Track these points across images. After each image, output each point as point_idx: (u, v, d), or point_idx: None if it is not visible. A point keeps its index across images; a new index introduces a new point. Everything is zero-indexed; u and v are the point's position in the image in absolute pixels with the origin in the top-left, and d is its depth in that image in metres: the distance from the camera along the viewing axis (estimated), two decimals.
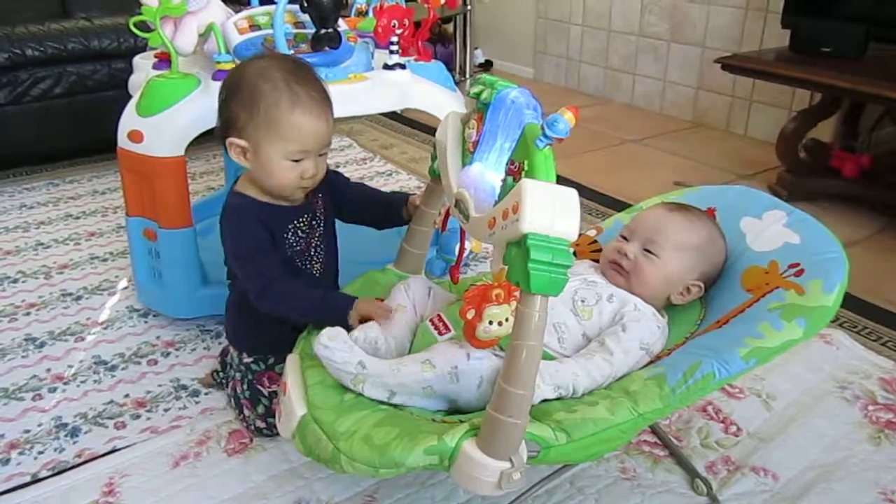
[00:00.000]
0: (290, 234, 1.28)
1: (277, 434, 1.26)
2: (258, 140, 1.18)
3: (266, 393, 1.34)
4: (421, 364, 1.04)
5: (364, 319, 1.18)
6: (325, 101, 1.20)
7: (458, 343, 1.08)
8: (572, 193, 0.87)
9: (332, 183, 1.37)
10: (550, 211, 0.84)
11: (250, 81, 1.17)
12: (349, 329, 1.14)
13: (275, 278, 1.21)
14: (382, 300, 1.25)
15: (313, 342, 1.13)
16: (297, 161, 1.19)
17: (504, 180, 0.97)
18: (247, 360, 1.35)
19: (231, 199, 1.27)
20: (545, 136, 0.88)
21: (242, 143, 1.19)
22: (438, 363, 1.04)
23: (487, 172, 0.99)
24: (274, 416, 1.27)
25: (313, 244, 1.34)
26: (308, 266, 1.33)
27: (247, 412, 1.37)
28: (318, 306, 1.22)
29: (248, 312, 1.28)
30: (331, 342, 1.05)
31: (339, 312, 1.19)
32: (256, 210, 1.24)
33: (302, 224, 1.30)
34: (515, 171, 0.93)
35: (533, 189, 0.85)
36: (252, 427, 1.37)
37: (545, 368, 1.05)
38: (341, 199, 1.40)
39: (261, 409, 1.35)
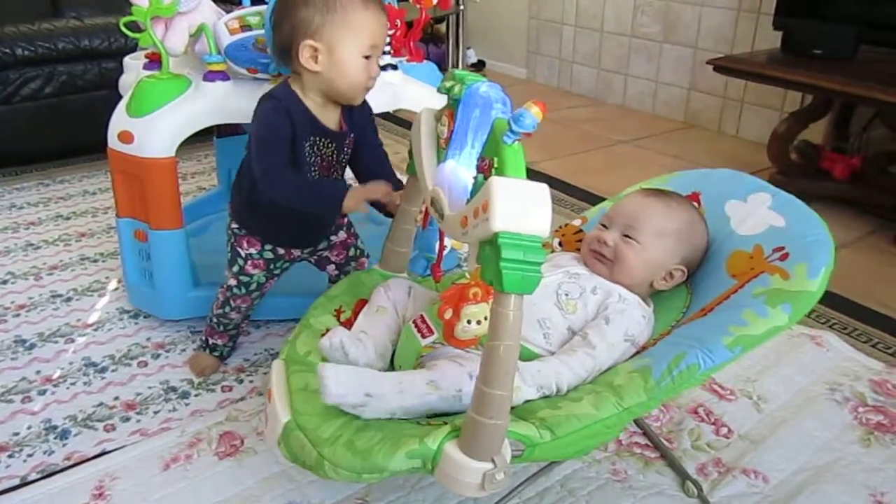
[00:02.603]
0: (309, 146, 1.34)
1: (245, 293, 1.52)
2: (333, 40, 1.25)
3: (242, 255, 1.47)
4: (426, 386, 1.02)
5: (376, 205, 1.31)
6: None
7: (456, 362, 1.06)
8: (543, 188, 0.85)
9: (363, 129, 1.44)
10: (521, 208, 0.83)
11: None
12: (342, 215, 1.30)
13: (280, 165, 1.29)
14: (365, 301, 1.26)
15: (298, 348, 1.12)
16: (367, 58, 1.27)
17: (475, 177, 0.96)
18: (234, 225, 1.48)
19: (278, 87, 1.34)
20: (512, 131, 0.87)
21: (316, 44, 1.25)
22: (444, 385, 1.02)
23: (460, 169, 0.97)
24: (245, 274, 1.49)
25: (332, 173, 1.42)
26: None
27: (225, 271, 1.51)
28: (312, 196, 1.33)
29: (248, 191, 1.41)
30: (341, 388, 0.98)
31: (333, 202, 1.29)
32: (292, 106, 1.30)
33: (322, 144, 1.36)
34: (486, 167, 0.92)
35: (502, 186, 0.83)
36: (224, 285, 1.52)
37: (527, 369, 1.04)
38: (359, 148, 1.45)
39: (235, 269, 1.49)
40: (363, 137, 1.44)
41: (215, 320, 1.56)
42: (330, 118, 1.36)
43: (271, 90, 1.34)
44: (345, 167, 1.45)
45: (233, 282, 1.51)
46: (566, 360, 1.08)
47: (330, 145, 1.38)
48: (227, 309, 1.54)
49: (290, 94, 1.32)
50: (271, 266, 1.50)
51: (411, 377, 1.05)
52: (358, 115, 1.41)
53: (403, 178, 1.34)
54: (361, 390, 1.00)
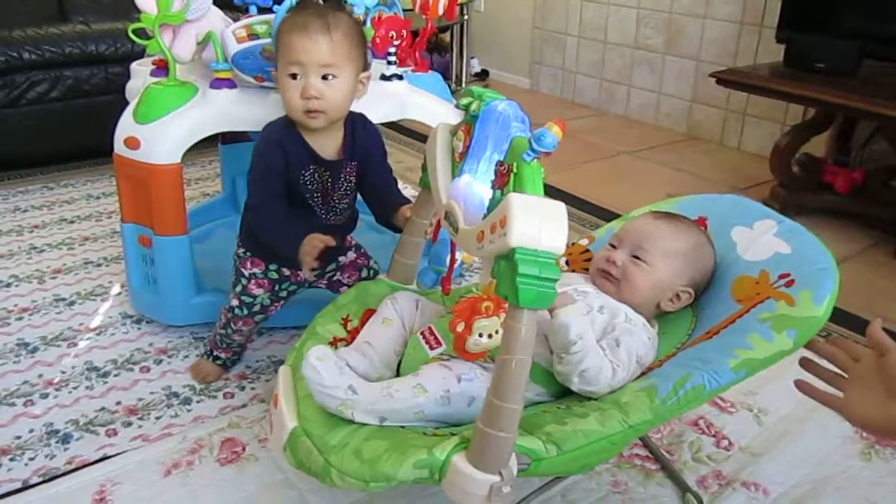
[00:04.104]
0: (309, 175, 1.38)
1: (247, 314, 1.48)
2: (278, 65, 1.32)
3: (246, 274, 1.48)
4: (413, 388, 1.04)
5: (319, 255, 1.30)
6: (325, 24, 1.28)
7: (445, 366, 1.08)
8: (560, 207, 0.87)
9: (368, 156, 1.44)
10: (538, 225, 0.84)
11: (281, 23, 1.33)
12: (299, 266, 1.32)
13: (269, 200, 1.36)
14: (373, 311, 1.27)
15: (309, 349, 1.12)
16: (295, 78, 1.29)
17: (493, 193, 0.97)
18: (239, 251, 1.49)
19: (278, 118, 1.39)
20: (533, 149, 0.88)
21: (274, 72, 1.34)
22: (430, 387, 1.04)
23: (476, 185, 0.98)
24: (249, 294, 1.48)
25: (334, 198, 1.43)
26: (325, 215, 1.44)
27: (230, 294, 1.51)
28: (280, 238, 1.37)
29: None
30: (320, 363, 1.03)
31: (293, 249, 1.31)
32: (285, 137, 1.35)
33: (319, 173, 1.38)
34: (504, 172, 0.93)
35: (520, 203, 0.85)
36: (227, 306, 1.52)
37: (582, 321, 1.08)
38: (364, 174, 1.45)
39: (238, 289, 1.49)
40: (369, 163, 1.44)
41: (218, 338, 1.56)
42: (326, 146, 1.38)
43: (272, 121, 1.39)
44: (347, 194, 1.44)
45: (235, 302, 1.50)
46: (605, 355, 1.09)
47: (325, 174, 1.39)
48: (229, 331, 1.53)
49: (286, 124, 1.36)
50: (276, 287, 1.49)
51: (399, 382, 1.07)
52: (362, 141, 1.42)
53: (414, 192, 1.36)
54: (345, 382, 1.02)
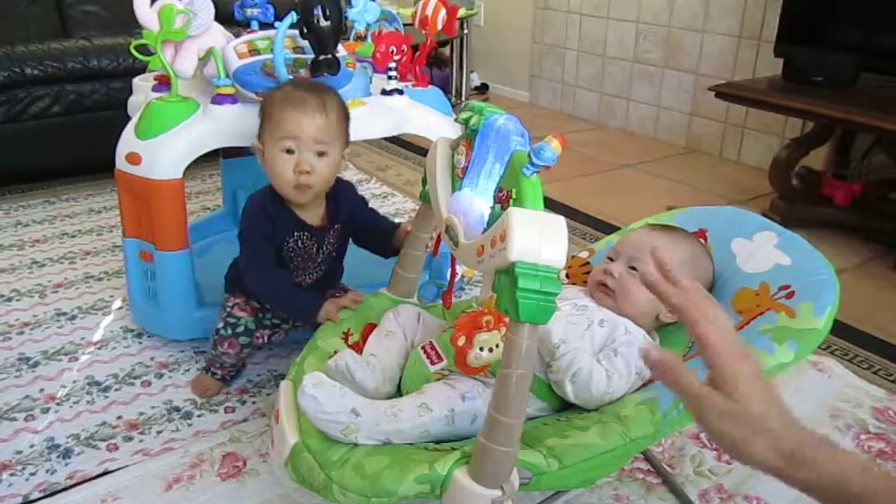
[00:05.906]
0: (293, 241, 1.45)
1: (231, 335, 1.52)
2: (265, 139, 1.36)
3: (230, 303, 1.54)
4: (417, 408, 1.04)
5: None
6: (322, 102, 1.33)
7: (449, 385, 1.08)
8: (560, 220, 0.87)
9: (353, 213, 1.52)
10: (538, 239, 0.84)
11: (270, 95, 1.37)
12: (316, 325, 1.33)
13: (262, 258, 1.42)
14: (374, 325, 1.27)
15: (306, 369, 1.13)
16: (289, 153, 1.33)
17: (493, 207, 0.97)
18: (226, 295, 1.56)
19: (265, 187, 1.44)
20: (532, 163, 0.88)
21: (258, 144, 1.38)
22: (435, 406, 1.04)
23: (476, 199, 0.99)
24: (232, 317, 1.51)
25: (313, 264, 1.50)
26: (301, 276, 1.51)
27: (218, 319, 1.54)
28: (290, 302, 1.44)
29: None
30: (317, 389, 1.01)
31: (308, 313, 1.37)
32: (270, 205, 1.41)
33: (305, 238, 1.45)
34: (503, 198, 0.94)
35: (520, 217, 0.85)
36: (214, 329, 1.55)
37: (572, 329, 1.10)
38: (355, 228, 1.55)
39: (223, 314, 1.53)
40: (356, 218, 1.53)
41: (211, 356, 1.57)
42: (312, 214, 1.46)
43: (255, 193, 1.44)
44: (330, 257, 1.52)
45: (220, 324, 1.54)
46: (595, 361, 1.09)
47: (311, 239, 1.47)
48: (218, 351, 1.54)
49: (272, 194, 1.42)
50: (260, 315, 1.53)
51: (402, 402, 1.07)
52: (345, 205, 1.49)
53: (414, 205, 1.36)
54: (347, 406, 1.01)
